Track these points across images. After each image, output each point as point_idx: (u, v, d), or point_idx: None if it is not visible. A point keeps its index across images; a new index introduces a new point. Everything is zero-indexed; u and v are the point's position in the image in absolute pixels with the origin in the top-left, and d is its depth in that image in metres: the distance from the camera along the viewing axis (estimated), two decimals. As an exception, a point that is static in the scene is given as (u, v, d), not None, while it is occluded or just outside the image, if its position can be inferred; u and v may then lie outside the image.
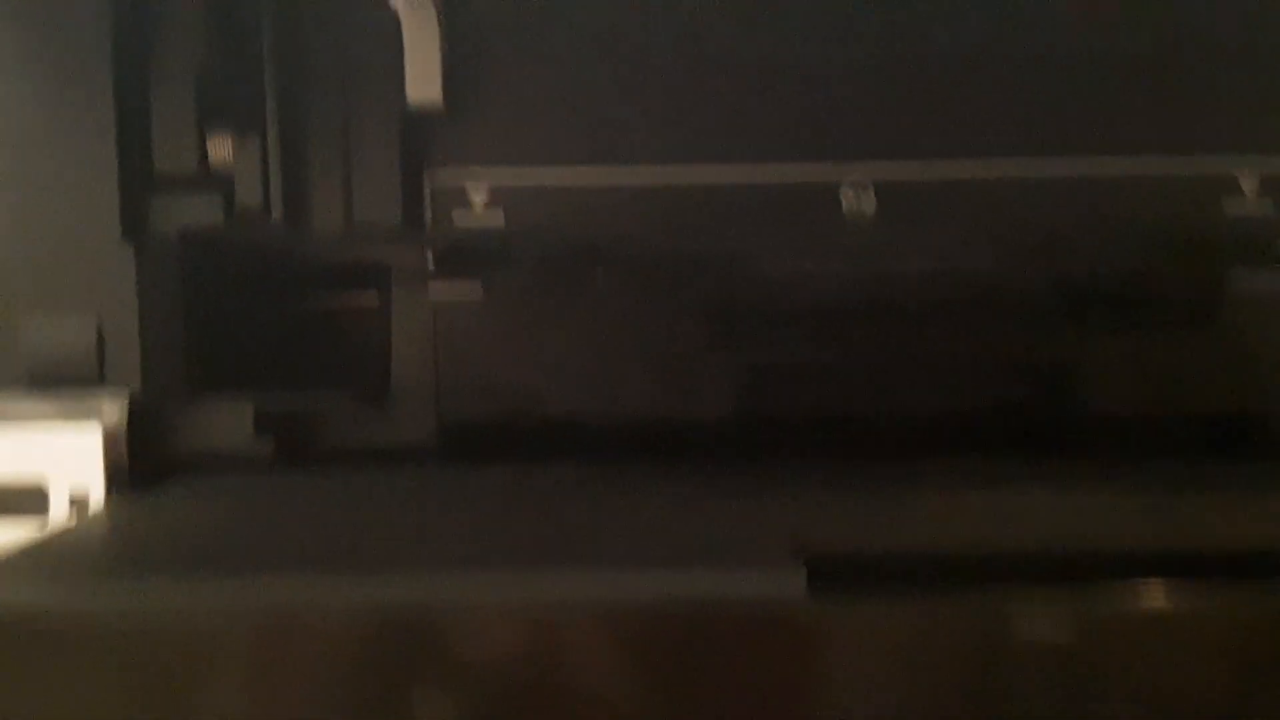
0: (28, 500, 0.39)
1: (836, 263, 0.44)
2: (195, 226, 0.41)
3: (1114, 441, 0.45)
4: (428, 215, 0.44)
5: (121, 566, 0.31)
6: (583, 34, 0.43)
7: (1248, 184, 0.43)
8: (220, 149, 0.41)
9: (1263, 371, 0.46)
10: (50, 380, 0.40)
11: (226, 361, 0.44)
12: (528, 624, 0.27)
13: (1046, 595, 0.27)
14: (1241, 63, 0.42)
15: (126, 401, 0.40)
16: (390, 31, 0.41)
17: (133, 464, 0.40)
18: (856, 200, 0.43)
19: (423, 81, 0.42)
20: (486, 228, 0.44)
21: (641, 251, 0.46)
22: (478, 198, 0.44)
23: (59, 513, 0.39)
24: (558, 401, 0.47)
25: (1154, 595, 0.27)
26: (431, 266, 0.45)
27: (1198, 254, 0.44)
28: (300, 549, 0.32)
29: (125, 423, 0.40)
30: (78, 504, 0.39)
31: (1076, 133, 0.42)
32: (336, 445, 0.45)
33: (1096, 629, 0.27)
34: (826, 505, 0.36)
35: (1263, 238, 0.44)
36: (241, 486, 0.40)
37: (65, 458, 0.39)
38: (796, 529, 0.32)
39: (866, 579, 0.31)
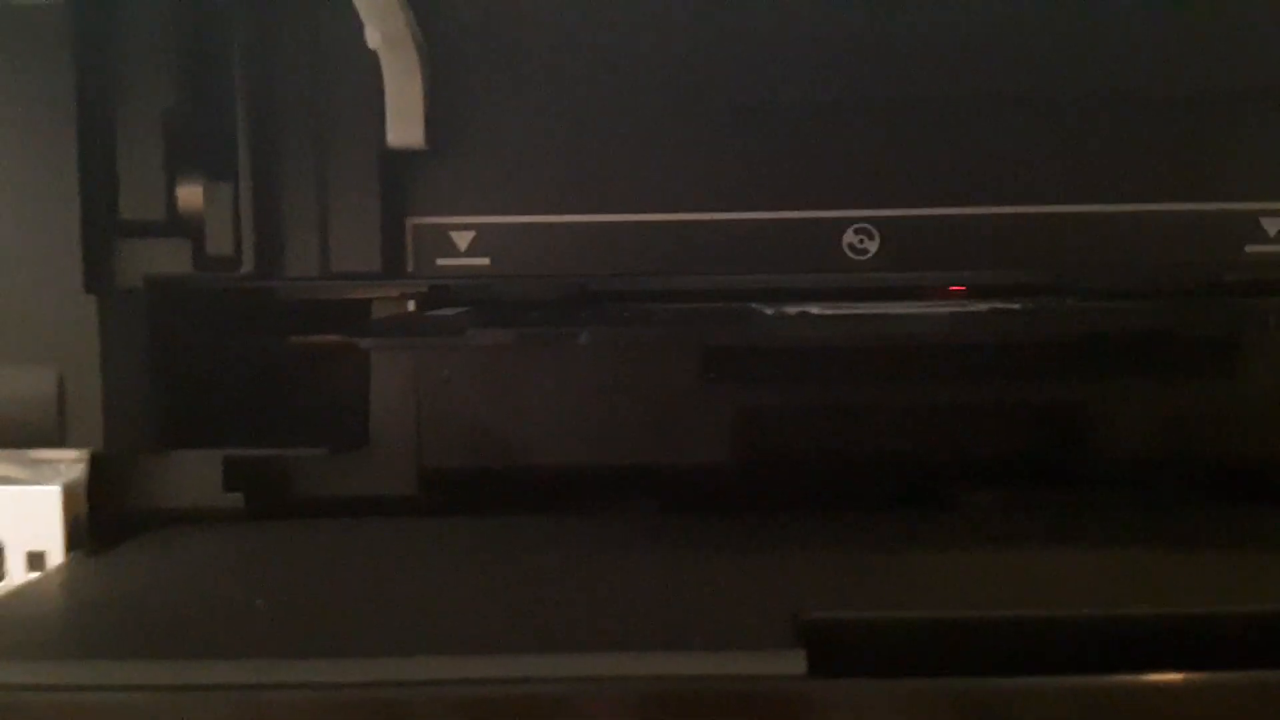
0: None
1: (837, 306, 0.43)
2: (162, 275, 0.39)
3: (1129, 488, 0.44)
4: (409, 261, 0.42)
5: (55, 641, 0.29)
6: (573, 70, 0.41)
7: (1270, 226, 0.42)
8: (190, 195, 0.39)
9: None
10: (9, 436, 0.38)
11: (198, 414, 0.42)
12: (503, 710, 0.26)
13: (1060, 683, 0.25)
14: (1257, 103, 0.41)
15: (88, 457, 0.38)
16: (368, 72, 0.39)
17: (95, 521, 0.39)
18: (859, 243, 0.42)
19: (404, 122, 0.40)
20: (472, 270, 0.42)
21: (632, 295, 0.45)
22: (462, 242, 0.43)
23: (15, 576, 0.37)
24: (543, 450, 0.45)
25: (1174, 688, 0.25)
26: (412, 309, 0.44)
27: (1218, 296, 0.43)
28: (259, 623, 0.30)
29: (86, 480, 0.38)
30: (35, 565, 0.37)
31: (1092, 176, 0.41)
32: (313, 497, 0.44)
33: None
34: (824, 565, 0.34)
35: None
36: (207, 544, 0.38)
37: (22, 518, 0.37)
38: (793, 595, 0.31)
39: (868, 654, 0.29)
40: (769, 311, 0.39)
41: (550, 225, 0.42)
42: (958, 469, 0.45)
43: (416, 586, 0.33)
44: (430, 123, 0.40)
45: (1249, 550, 0.34)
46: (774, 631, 0.28)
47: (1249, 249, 0.41)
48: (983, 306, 0.38)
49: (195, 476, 0.41)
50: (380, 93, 0.40)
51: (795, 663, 0.27)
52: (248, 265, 0.39)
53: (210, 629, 0.30)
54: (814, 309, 0.40)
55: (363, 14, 0.37)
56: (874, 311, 0.38)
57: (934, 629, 0.29)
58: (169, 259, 0.39)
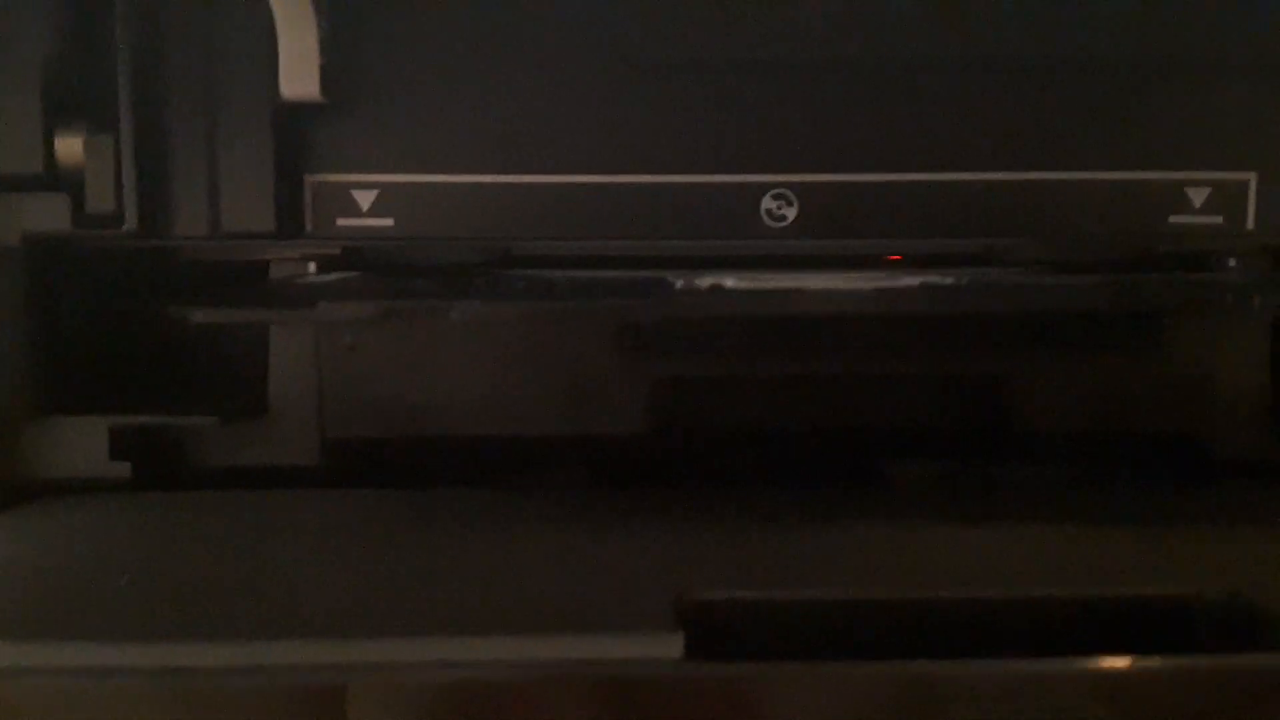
0: None
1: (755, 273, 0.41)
2: (40, 233, 0.37)
3: (1057, 463, 0.43)
4: (308, 220, 0.41)
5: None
6: (481, 22, 0.39)
7: (1195, 196, 0.41)
8: (69, 147, 0.37)
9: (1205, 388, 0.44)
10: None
11: (85, 380, 0.40)
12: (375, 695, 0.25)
13: (947, 668, 0.24)
14: (1182, 72, 0.40)
15: (-38, 424, 0.37)
16: (261, 19, 0.37)
17: (-30, 491, 0.37)
18: (778, 209, 0.41)
19: (298, 73, 0.38)
20: (374, 232, 0.41)
21: (546, 260, 0.44)
22: (364, 201, 0.41)
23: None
24: (452, 420, 0.43)
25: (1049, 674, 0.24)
26: (313, 272, 0.42)
27: (1148, 273, 0.42)
28: (127, 602, 0.29)
29: (-40, 447, 0.36)
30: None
31: (1016, 144, 0.40)
32: (208, 467, 0.42)
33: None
34: (723, 543, 0.33)
35: (1208, 250, 0.43)
36: (85, 517, 0.37)
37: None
38: (684, 574, 0.30)
39: (751, 636, 0.28)
40: (678, 284, 0.38)
41: (457, 186, 0.40)
42: (885, 442, 0.44)
43: (288, 563, 0.32)
44: (327, 74, 0.38)
45: (1157, 531, 0.33)
46: (657, 613, 0.27)
47: (1173, 219, 0.40)
48: (897, 281, 0.37)
49: (79, 444, 0.39)
50: (274, 41, 0.38)
51: (672, 646, 0.25)
52: (130, 223, 0.37)
53: (74, 608, 0.29)
54: (729, 281, 0.38)
55: (246, -44, 0.35)
56: (786, 286, 0.36)
57: (819, 610, 0.28)
58: (47, 215, 0.37)
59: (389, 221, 0.40)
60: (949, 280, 0.38)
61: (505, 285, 0.38)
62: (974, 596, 0.29)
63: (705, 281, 0.38)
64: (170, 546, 0.34)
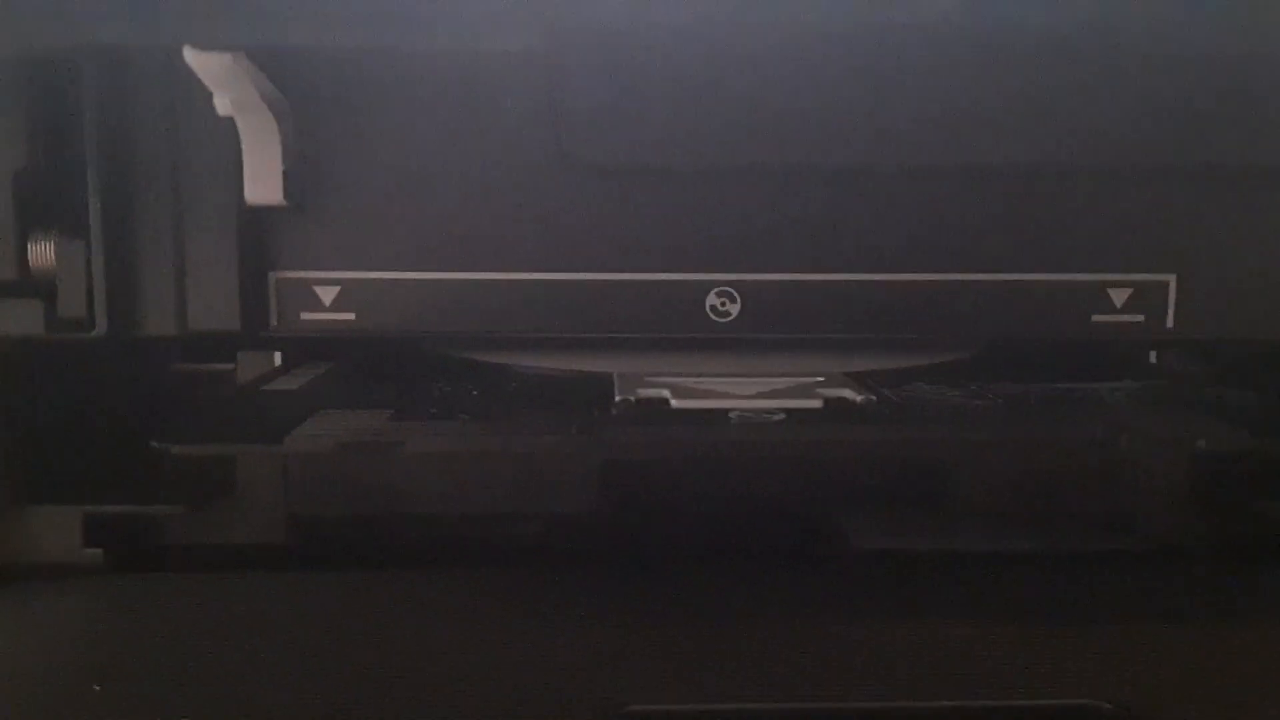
0: None
1: (703, 374, 0.43)
2: (13, 336, 0.39)
3: (988, 552, 0.45)
4: (273, 315, 0.42)
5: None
6: (439, 128, 0.41)
7: (1117, 297, 0.43)
8: (42, 254, 0.39)
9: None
10: None
11: (58, 471, 0.42)
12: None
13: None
14: (1105, 177, 0.42)
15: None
16: (225, 130, 0.39)
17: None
18: (721, 305, 0.43)
19: (262, 181, 0.40)
20: (336, 326, 0.42)
21: (504, 348, 0.45)
22: (326, 297, 0.43)
23: None
24: (412, 500, 0.45)
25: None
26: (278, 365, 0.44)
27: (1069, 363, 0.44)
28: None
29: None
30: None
31: (944, 245, 0.42)
32: (179, 547, 0.44)
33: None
34: (660, 634, 0.35)
35: (1129, 347, 0.45)
36: (61, 604, 0.38)
37: None
38: (620, 678, 0.32)
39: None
40: (619, 398, 0.40)
41: (417, 282, 0.42)
42: (826, 522, 0.46)
43: (243, 659, 0.34)
44: (291, 179, 0.40)
45: (1070, 626, 0.35)
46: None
47: (1096, 318, 0.42)
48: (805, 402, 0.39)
49: (53, 533, 0.41)
50: (238, 149, 0.40)
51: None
52: (101, 326, 0.39)
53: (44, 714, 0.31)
54: (669, 393, 0.40)
55: (209, 83, 0.36)
56: (728, 405, 0.39)
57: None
58: (20, 320, 0.39)
59: (351, 315, 0.42)
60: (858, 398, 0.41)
61: (459, 398, 0.40)
62: (893, 707, 0.31)
63: (649, 391, 0.40)
64: (139, 641, 0.36)
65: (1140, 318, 0.42)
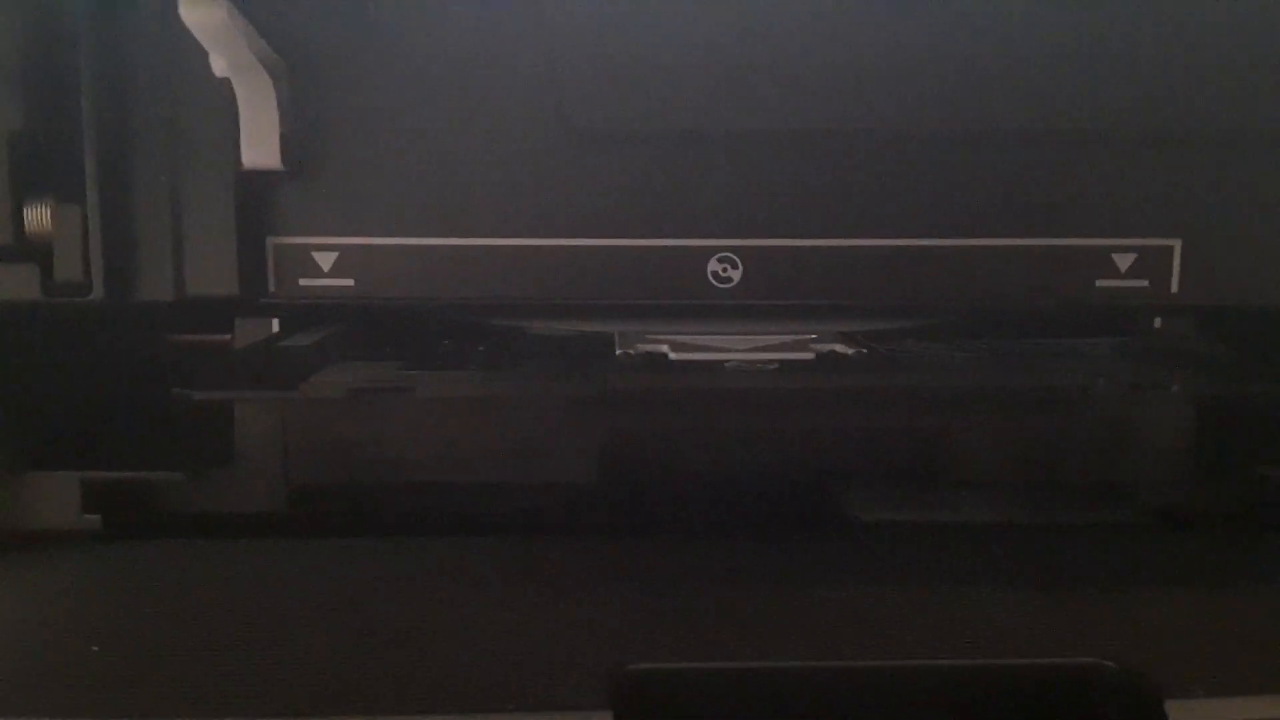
0: None
1: (702, 333, 0.43)
2: (10, 300, 0.38)
3: (985, 519, 0.44)
4: (271, 281, 0.42)
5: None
6: (439, 91, 0.41)
7: (1121, 261, 0.42)
8: (38, 218, 0.38)
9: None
10: None
11: (58, 436, 0.42)
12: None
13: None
14: (1111, 142, 0.42)
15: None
16: (222, 94, 0.39)
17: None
18: (723, 271, 0.42)
19: (259, 145, 0.39)
20: (335, 292, 0.42)
21: (505, 314, 0.45)
22: (325, 262, 0.42)
23: None
24: (413, 468, 0.45)
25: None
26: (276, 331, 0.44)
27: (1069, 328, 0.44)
28: (92, 671, 0.31)
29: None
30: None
31: (949, 211, 0.42)
32: (177, 515, 0.44)
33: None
34: (662, 605, 0.35)
35: (1132, 313, 0.45)
36: (61, 569, 0.38)
37: None
38: (620, 641, 0.31)
39: (684, 708, 0.30)
40: (619, 352, 0.40)
41: (416, 248, 0.42)
42: (830, 491, 0.46)
43: (240, 625, 0.33)
44: (288, 143, 0.40)
45: (1075, 590, 0.35)
46: (588, 687, 0.29)
47: (1100, 283, 0.42)
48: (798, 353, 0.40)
49: (53, 499, 0.40)
50: (235, 113, 0.39)
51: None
52: (98, 290, 0.39)
53: (43, 677, 0.31)
54: (668, 348, 0.40)
55: (206, 44, 0.36)
56: (724, 358, 0.38)
57: (752, 680, 0.30)
58: (17, 284, 0.38)
59: (349, 282, 0.42)
60: (849, 352, 0.41)
61: (466, 354, 0.40)
62: (895, 665, 0.31)
63: (648, 346, 0.40)
64: (137, 604, 0.36)
65: (1145, 283, 0.42)
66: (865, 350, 0.40)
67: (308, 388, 0.35)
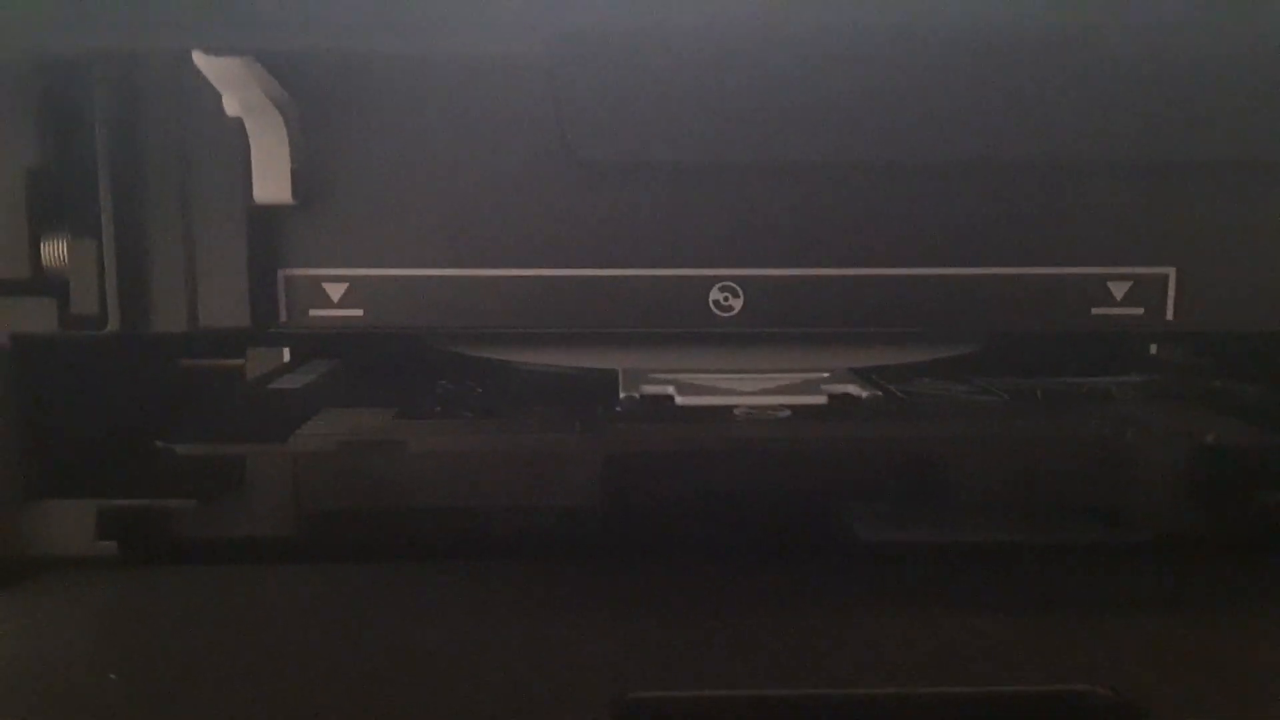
0: None
1: (709, 371, 0.44)
2: (28, 334, 0.39)
3: (984, 539, 0.45)
4: (282, 312, 0.43)
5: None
6: (448, 126, 0.42)
7: (1117, 290, 0.43)
8: (55, 253, 0.39)
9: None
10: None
11: (73, 465, 0.43)
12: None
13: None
14: (1107, 177, 0.42)
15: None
16: (235, 129, 0.40)
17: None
18: (725, 300, 0.43)
19: (270, 180, 0.40)
20: (345, 322, 0.43)
21: (510, 343, 0.46)
22: (335, 293, 0.43)
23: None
24: (419, 494, 0.46)
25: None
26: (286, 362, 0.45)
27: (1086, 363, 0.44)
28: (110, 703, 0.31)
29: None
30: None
31: (948, 240, 0.42)
32: (191, 540, 0.44)
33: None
34: (667, 631, 0.35)
35: (1136, 342, 0.45)
36: (77, 596, 0.39)
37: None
38: (624, 668, 0.32)
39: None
40: (623, 395, 0.40)
41: (424, 279, 0.43)
42: (833, 515, 0.46)
43: (252, 652, 0.34)
44: (299, 178, 0.41)
45: (1067, 615, 0.36)
46: (589, 715, 0.30)
47: (1096, 311, 0.43)
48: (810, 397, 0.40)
49: (69, 526, 0.41)
50: (247, 148, 0.40)
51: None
52: (113, 323, 0.40)
53: (60, 702, 0.31)
54: (674, 389, 0.41)
55: (218, 85, 0.37)
56: (732, 401, 0.39)
57: (748, 708, 0.31)
58: (35, 318, 0.39)
59: (359, 312, 0.43)
60: (863, 394, 0.41)
61: (464, 395, 0.40)
62: (891, 693, 0.31)
63: (653, 389, 0.40)
64: (152, 633, 0.36)
65: (1140, 310, 0.43)
66: (880, 393, 0.40)
67: (296, 441, 0.36)
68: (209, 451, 0.38)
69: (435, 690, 0.32)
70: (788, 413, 0.38)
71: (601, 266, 0.43)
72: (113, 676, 0.33)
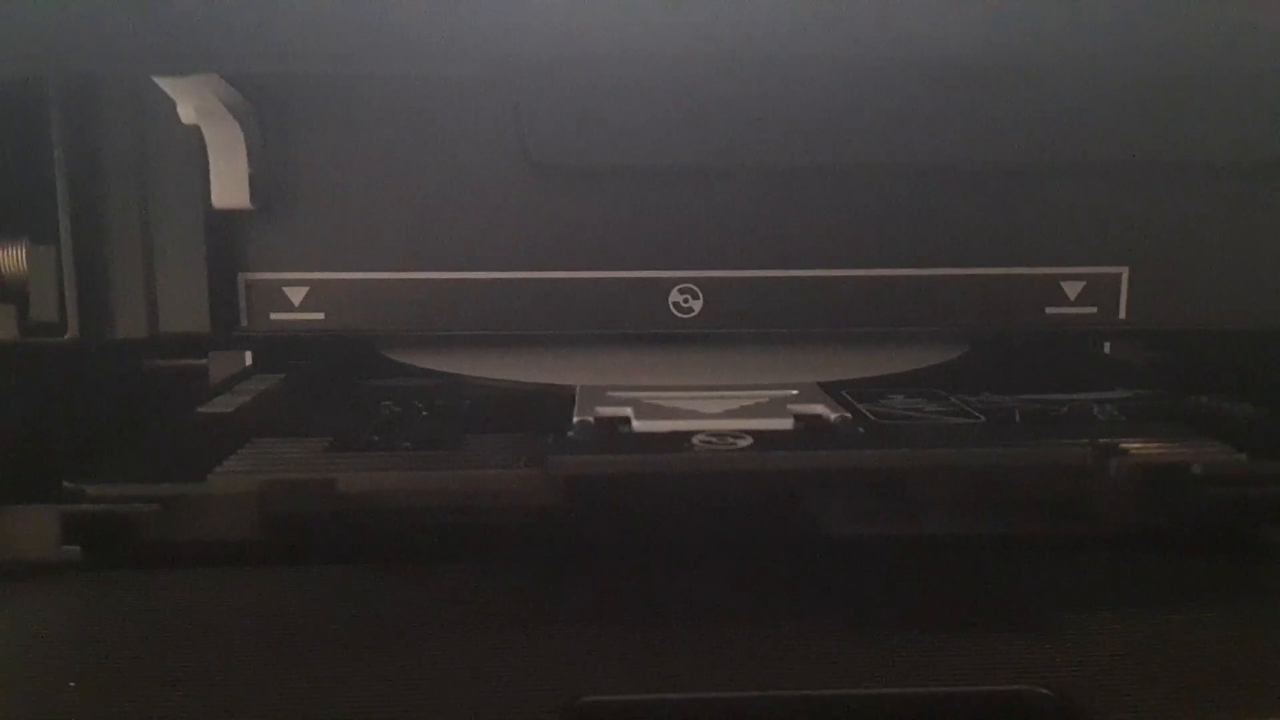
0: None
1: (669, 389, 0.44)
2: (-14, 340, 0.40)
3: (930, 545, 0.45)
4: (243, 316, 0.43)
5: None
6: (407, 129, 0.42)
7: (1070, 289, 0.44)
8: (13, 259, 0.39)
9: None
10: None
11: (37, 469, 0.43)
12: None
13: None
14: (1060, 178, 0.43)
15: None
16: (192, 137, 0.40)
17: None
18: (684, 302, 0.44)
19: (228, 186, 0.41)
20: (305, 326, 0.43)
21: (470, 344, 0.46)
22: (295, 297, 0.43)
23: None
24: (383, 496, 0.46)
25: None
26: (249, 364, 0.45)
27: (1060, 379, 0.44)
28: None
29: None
30: None
31: (902, 241, 0.43)
32: (155, 544, 0.45)
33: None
34: (623, 633, 0.36)
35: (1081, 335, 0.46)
36: (39, 602, 0.39)
37: None
38: (578, 673, 0.33)
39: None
40: (577, 420, 0.38)
41: (385, 282, 0.43)
42: (803, 522, 0.46)
43: (213, 656, 0.34)
44: (257, 183, 0.41)
45: (1015, 613, 0.36)
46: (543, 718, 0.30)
47: (1050, 310, 0.43)
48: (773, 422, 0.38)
49: (31, 531, 0.41)
50: (205, 154, 0.40)
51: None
52: (73, 330, 0.40)
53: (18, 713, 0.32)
54: (632, 411, 0.39)
55: (173, 95, 0.37)
56: (693, 427, 0.37)
57: (699, 711, 0.31)
58: (-7, 325, 0.40)
59: (320, 315, 0.43)
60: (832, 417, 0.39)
61: (408, 419, 0.40)
62: (836, 694, 0.32)
63: (611, 410, 0.39)
64: (115, 637, 0.37)
65: (1093, 309, 0.43)
66: (848, 415, 0.38)
67: (215, 480, 0.34)
68: (119, 493, 0.37)
69: (383, 695, 0.32)
70: (749, 440, 0.36)
71: (561, 269, 0.43)
72: (71, 684, 0.33)
